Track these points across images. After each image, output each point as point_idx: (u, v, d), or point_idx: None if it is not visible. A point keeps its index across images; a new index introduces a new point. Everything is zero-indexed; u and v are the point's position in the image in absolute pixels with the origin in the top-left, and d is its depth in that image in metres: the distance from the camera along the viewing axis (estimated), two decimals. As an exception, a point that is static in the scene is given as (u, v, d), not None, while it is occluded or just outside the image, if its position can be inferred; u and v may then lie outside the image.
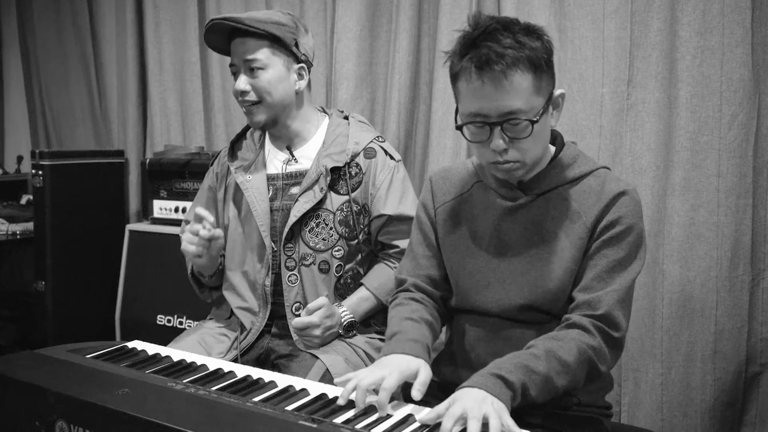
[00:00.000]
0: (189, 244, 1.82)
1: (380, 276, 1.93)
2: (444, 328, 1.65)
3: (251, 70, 1.86)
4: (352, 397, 1.27)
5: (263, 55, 1.86)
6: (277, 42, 1.86)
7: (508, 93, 1.30)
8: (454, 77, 1.36)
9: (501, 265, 1.48)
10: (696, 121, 2.17)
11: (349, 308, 1.89)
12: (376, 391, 1.27)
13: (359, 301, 1.91)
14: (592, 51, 2.28)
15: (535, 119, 1.32)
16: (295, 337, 1.87)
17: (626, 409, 2.31)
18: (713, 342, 2.18)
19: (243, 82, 1.87)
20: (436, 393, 1.52)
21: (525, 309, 1.45)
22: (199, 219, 1.80)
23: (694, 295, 2.20)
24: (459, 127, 1.40)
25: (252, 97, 1.88)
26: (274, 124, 1.93)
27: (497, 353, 1.45)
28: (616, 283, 1.38)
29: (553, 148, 1.50)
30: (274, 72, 1.87)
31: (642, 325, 2.26)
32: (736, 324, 2.17)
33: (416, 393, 1.29)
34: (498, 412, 1.15)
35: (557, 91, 1.40)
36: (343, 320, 1.87)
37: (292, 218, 1.87)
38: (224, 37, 1.90)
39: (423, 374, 1.33)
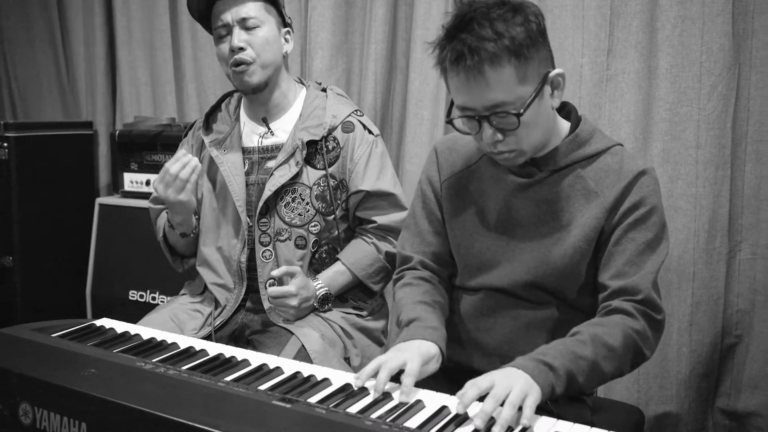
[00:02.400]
0: (166, 187, 1.75)
1: (356, 251, 1.90)
2: None
3: (247, 28, 1.80)
4: (369, 384, 1.24)
5: (258, 12, 1.81)
6: (269, 0, 1.82)
7: (487, 87, 1.25)
8: (440, 71, 1.32)
9: (510, 243, 1.43)
10: (675, 91, 2.15)
11: (324, 281, 1.86)
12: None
13: (334, 275, 1.88)
14: (571, 20, 2.24)
15: (520, 112, 1.27)
16: (266, 305, 1.83)
17: (603, 381, 2.32)
18: (690, 314, 2.19)
19: (240, 39, 1.79)
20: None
21: (529, 286, 1.42)
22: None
23: (672, 267, 2.20)
24: (449, 122, 1.36)
25: (248, 54, 1.80)
26: (264, 88, 1.86)
27: (491, 328, 1.43)
28: (648, 266, 1.34)
29: (567, 123, 1.44)
30: (269, 29, 1.82)
31: (619, 297, 2.26)
32: (712, 296, 2.18)
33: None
34: (524, 394, 1.12)
35: (554, 71, 1.32)
36: (318, 293, 1.84)
37: (267, 192, 1.83)
38: (204, 1, 1.84)
39: (432, 365, 1.31)
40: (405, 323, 1.41)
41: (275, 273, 1.76)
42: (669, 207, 2.18)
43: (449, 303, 1.53)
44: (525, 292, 1.42)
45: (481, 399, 1.13)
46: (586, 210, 1.37)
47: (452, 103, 1.35)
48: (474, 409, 1.13)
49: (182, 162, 1.74)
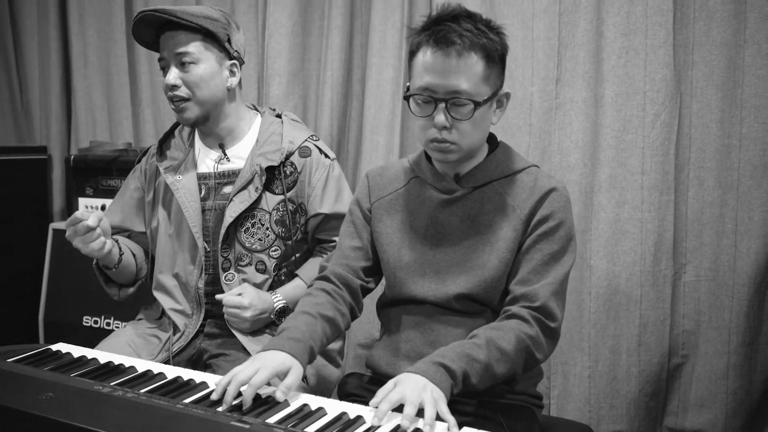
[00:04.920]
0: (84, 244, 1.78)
1: (314, 268, 1.91)
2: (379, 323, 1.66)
3: (182, 64, 1.81)
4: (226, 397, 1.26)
5: (195, 48, 1.81)
6: (210, 37, 1.82)
7: (458, 72, 1.37)
8: (412, 52, 1.43)
9: (437, 255, 1.51)
10: (621, 119, 2.23)
11: (282, 295, 1.88)
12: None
13: (293, 289, 1.91)
14: (521, 50, 2.32)
15: (479, 101, 1.38)
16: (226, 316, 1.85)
17: (555, 401, 2.36)
18: (638, 335, 2.25)
19: (174, 76, 1.82)
20: (369, 386, 1.53)
21: (461, 298, 1.48)
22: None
23: (620, 289, 2.26)
24: (407, 97, 1.45)
25: (183, 92, 1.83)
26: (204, 121, 1.88)
27: (433, 342, 1.47)
28: (551, 276, 1.44)
29: (487, 146, 1.55)
30: (206, 67, 1.83)
31: (570, 319, 2.32)
32: (659, 317, 2.25)
33: (279, 394, 1.28)
34: (435, 400, 1.20)
35: (503, 90, 1.47)
36: (275, 305, 1.86)
37: (228, 219, 1.84)
38: (152, 30, 1.85)
39: (291, 377, 1.33)
40: (278, 331, 1.45)
41: (219, 297, 1.80)
42: (617, 231, 2.25)
43: (396, 321, 1.57)
44: (458, 304, 1.49)
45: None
46: (505, 223, 1.47)
47: (408, 88, 1.45)
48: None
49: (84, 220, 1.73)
